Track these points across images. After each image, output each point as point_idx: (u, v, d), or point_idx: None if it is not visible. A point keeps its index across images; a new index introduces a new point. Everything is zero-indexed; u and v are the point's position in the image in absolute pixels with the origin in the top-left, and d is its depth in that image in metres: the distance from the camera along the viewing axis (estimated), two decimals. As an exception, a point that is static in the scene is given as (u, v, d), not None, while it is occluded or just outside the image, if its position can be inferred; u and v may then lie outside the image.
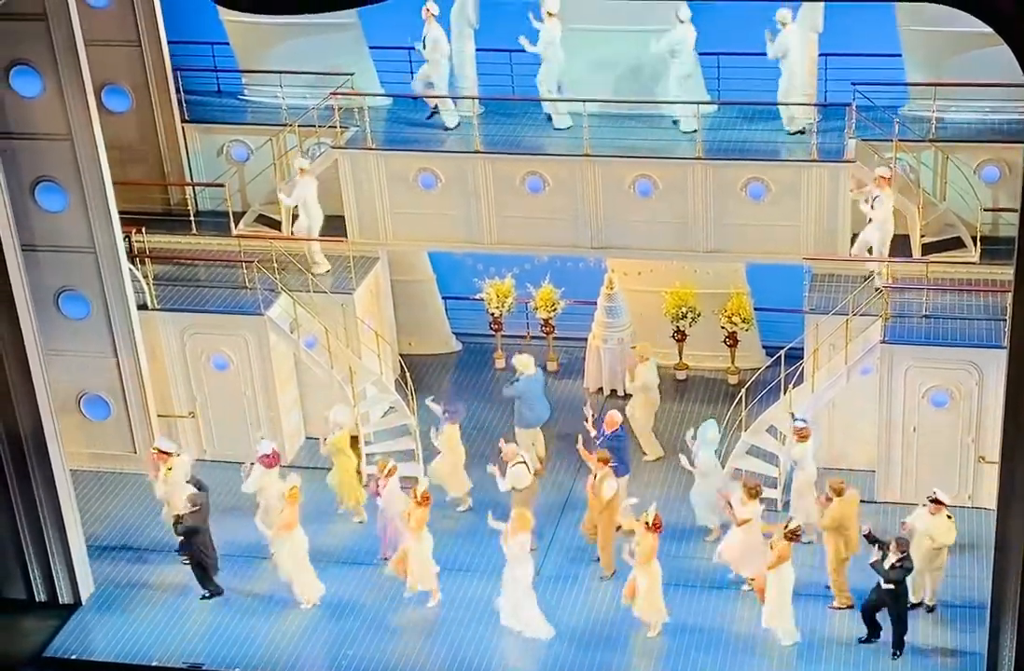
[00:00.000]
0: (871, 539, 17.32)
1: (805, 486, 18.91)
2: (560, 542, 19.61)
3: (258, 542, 19.09)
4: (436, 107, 21.92)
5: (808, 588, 18.26)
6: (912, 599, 17.84)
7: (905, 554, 16.98)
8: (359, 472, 20.28)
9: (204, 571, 18.67)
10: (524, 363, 20.77)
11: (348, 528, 20.12)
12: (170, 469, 19.05)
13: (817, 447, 19.23)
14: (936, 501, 17.50)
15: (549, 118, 21.84)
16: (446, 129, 21.81)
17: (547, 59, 21.32)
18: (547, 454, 21.05)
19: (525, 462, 18.94)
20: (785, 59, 20.71)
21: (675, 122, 21.32)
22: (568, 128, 21.56)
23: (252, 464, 19.08)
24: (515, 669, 17.68)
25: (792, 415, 19.19)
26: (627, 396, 21.78)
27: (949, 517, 17.69)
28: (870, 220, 19.93)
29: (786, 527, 17.24)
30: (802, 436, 18.73)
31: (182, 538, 18.40)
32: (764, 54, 20.75)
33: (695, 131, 20.90)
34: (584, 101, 20.94)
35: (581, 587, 18.88)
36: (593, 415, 19.88)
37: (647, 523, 17.32)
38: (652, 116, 21.64)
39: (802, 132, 20.90)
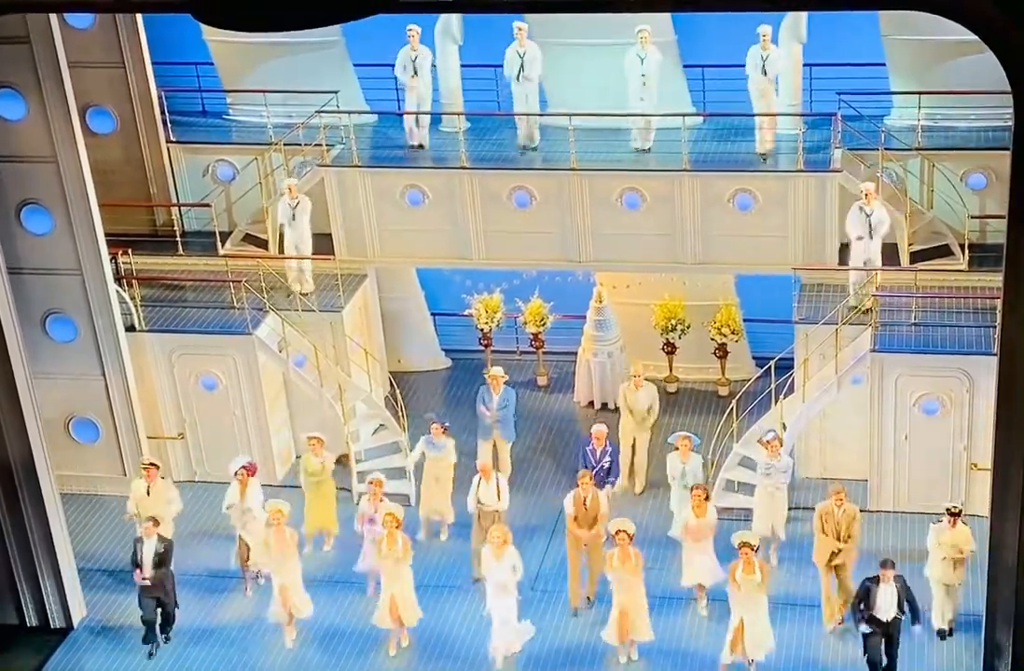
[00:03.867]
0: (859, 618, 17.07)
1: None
2: (552, 558, 19.52)
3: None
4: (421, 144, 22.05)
5: (795, 607, 18.27)
6: (937, 624, 17.79)
7: (900, 579, 16.79)
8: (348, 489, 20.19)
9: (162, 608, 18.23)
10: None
11: (332, 550, 19.95)
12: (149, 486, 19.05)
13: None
14: (956, 513, 17.34)
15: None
16: (419, 147, 21.93)
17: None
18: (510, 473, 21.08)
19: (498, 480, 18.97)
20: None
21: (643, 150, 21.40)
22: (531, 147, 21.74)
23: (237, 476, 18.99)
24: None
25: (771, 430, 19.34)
26: (617, 409, 21.76)
27: (964, 524, 17.61)
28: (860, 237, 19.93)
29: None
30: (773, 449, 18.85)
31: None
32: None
33: (648, 150, 21.18)
34: (569, 115, 21.00)
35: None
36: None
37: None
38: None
39: (764, 158, 21.07)
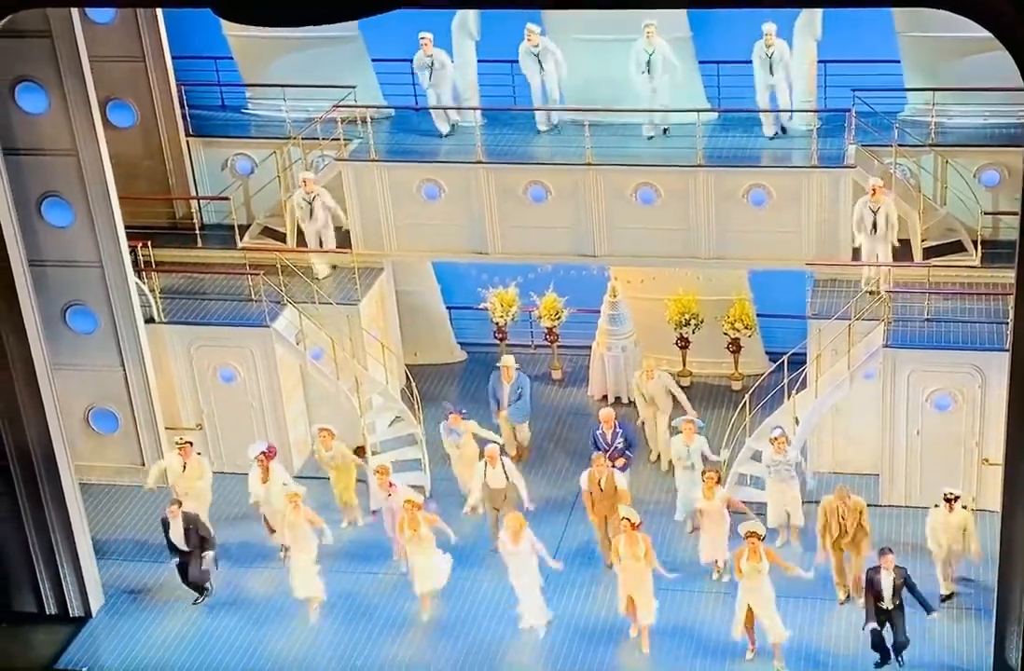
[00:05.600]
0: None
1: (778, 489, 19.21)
2: (568, 542, 19.65)
3: (263, 550, 19.40)
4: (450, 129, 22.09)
5: (804, 591, 18.27)
6: (943, 591, 18.17)
7: (901, 570, 16.95)
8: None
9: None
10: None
11: (354, 530, 20.16)
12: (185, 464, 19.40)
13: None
14: (952, 499, 17.57)
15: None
16: (440, 136, 22.00)
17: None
18: (527, 453, 21.49)
19: (503, 463, 19.20)
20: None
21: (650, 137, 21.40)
22: (548, 130, 21.81)
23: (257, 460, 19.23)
24: (522, 666, 17.76)
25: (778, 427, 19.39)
26: (631, 403, 21.82)
27: (964, 507, 17.82)
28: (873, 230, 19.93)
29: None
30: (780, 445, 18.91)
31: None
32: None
33: (651, 137, 21.24)
34: (584, 110, 21.05)
35: (589, 586, 18.92)
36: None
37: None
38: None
39: (773, 137, 21.11)
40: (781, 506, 19.20)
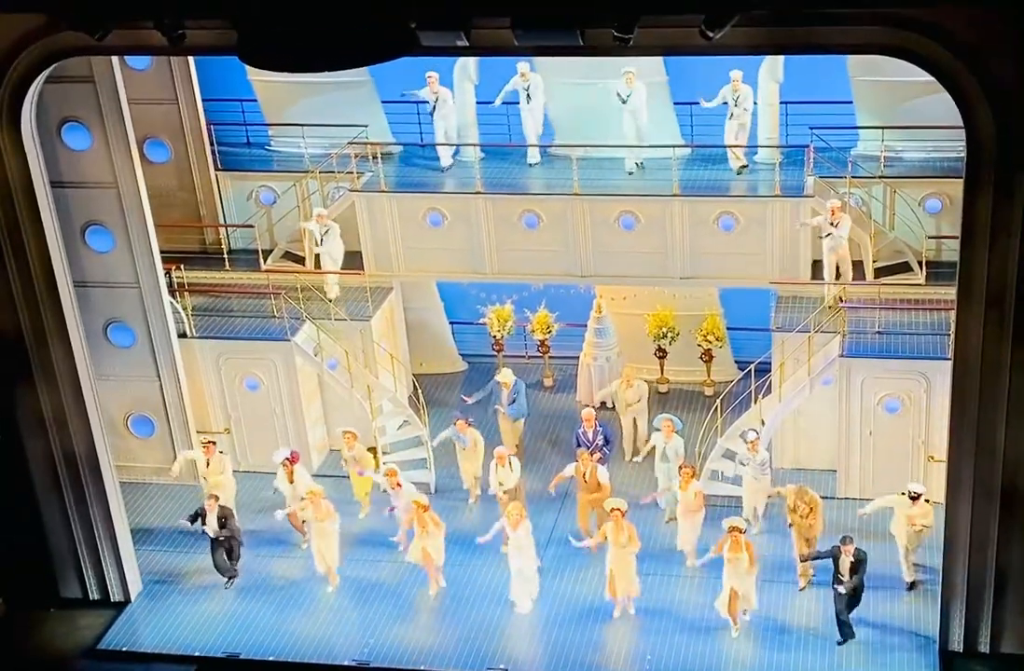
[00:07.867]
0: (805, 558, 17.52)
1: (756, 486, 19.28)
2: (560, 532, 19.66)
3: (285, 541, 19.51)
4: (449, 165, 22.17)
5: (776, 573, 18.41)
6: (907, 579, 18.20)
7: (858, 551, 17.03)
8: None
9: (229, 554, 18.82)
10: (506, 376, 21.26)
11: (367, 522, 20.22)
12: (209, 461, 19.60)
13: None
14: (915, 496, 17.71)
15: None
16: (442, 170, 22.02)
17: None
18: (522, 445, 21.61)
19: (511, 462, 19.29)
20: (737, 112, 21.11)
21: (631, 173, 21.43)
22: (536, 164, 21.88)
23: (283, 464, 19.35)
24: (518, 642, 17.81)
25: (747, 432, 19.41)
26: (614, 408, 21.87)
27: (927, 501, 17.87)
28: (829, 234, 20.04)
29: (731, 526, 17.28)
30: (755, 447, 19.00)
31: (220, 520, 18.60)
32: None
33: (631, 172, 21.29)
34: (572, 146, 21.11)
35: (580, 572, 18.94)
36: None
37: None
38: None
39: (739, 172, 21.11)
40: (753, 501, 19.24)
